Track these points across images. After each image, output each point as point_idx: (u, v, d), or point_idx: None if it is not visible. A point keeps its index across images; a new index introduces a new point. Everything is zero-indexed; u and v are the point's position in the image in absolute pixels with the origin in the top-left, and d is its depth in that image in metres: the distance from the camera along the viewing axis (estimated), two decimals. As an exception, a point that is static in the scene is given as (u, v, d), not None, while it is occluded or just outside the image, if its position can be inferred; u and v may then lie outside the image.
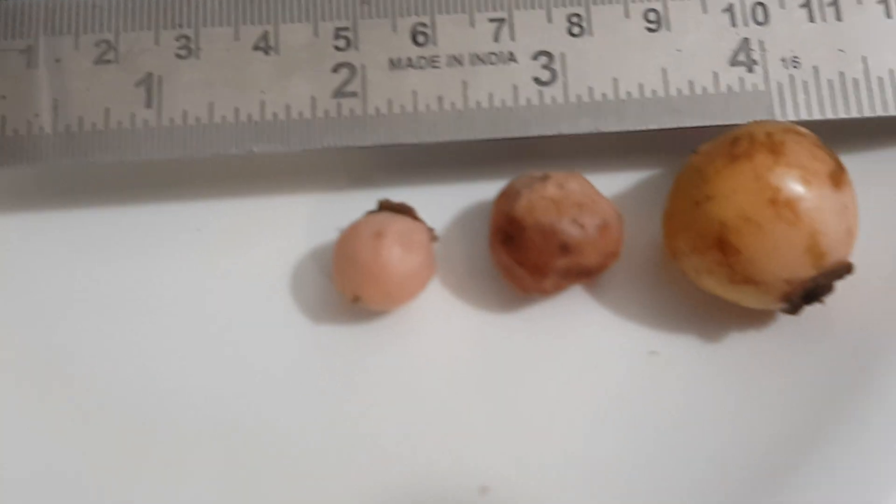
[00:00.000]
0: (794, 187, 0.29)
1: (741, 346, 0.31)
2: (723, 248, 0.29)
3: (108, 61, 0.31)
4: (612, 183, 0.32)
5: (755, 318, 0.31)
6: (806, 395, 0.30)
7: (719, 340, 0.31)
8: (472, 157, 0.33)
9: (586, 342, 0.31)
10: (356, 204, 0.32)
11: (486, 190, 0.32)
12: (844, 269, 0.30)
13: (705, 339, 0.31)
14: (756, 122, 0.30)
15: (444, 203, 0.33)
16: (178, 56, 0.32)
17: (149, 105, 0.31)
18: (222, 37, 0.32)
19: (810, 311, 0.30)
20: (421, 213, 0.31)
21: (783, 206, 0.28)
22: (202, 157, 0.31)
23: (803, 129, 0.30)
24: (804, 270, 0.29)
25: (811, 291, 0.29)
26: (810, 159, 0.29)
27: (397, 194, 0.32)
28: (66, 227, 0.33)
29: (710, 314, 0.31)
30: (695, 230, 0.29)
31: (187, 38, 0.32)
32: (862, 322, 0.31)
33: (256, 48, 0.32)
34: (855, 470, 0.29)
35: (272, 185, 0.33)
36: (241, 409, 0.31)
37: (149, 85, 0.31)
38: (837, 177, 0.29)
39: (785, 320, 0.31)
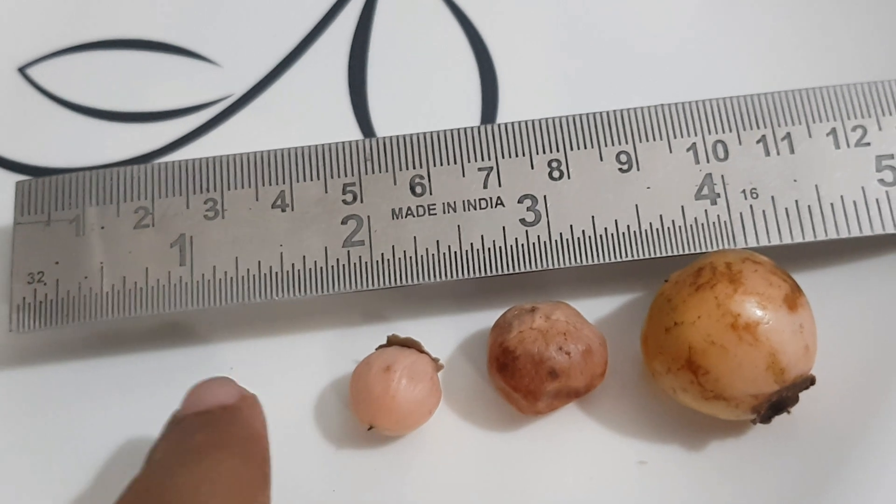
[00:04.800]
0: (752, 312, 0.32)
1: (721, 453, 0.34)
2: (693, 368, 0.32)
3: (146, 226, 0.36)
4: (596, 308, 0.36)
5: (732, 428, 0.34)
6: (780, 497, 0.33)
7: (701, 449, 0.34)
8: (471, 290, 0.37)
9: (581, 455, 0.35)
10: (369, 337, 0.36)
11: (484, 319, 0.36)
12: (807, 382, 0.33)
13: (689, 448, 0.34)
14: (718, 252, 0.34)
15: (448, 333, 0.36)
16: (207, 217, 0.36)
17: (182, 263, 0.35)
18: (244, 198, 0.36)
19: (781, 419, 0.33)
20: (426, 343, 0.35)
21: (743, 329, 0.32)
22: (231, 306, 0.35)
23: (760, 257, 0.33)
24: (767, 386, 0.32)
25: (777, 404, 0.33)
26: (766, 286, 0.32)
27: (405, 327, 0.36)
28: (116, 369, 0.37)
29: (692, 425, 0.34)
30: (668, 353, 0.33)
31: (214, 200, 0.36)
32: (828, 427, 0.34)
33: (274, 206, 0.36)
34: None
35: (294, 324, 0.37)
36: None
37: (182, 245, 0.35)
38: (792, 299, 0.32)
39: (759, 428, 0.34)
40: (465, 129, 0.36)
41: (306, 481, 0.35)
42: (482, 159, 0.36)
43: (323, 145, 0.36)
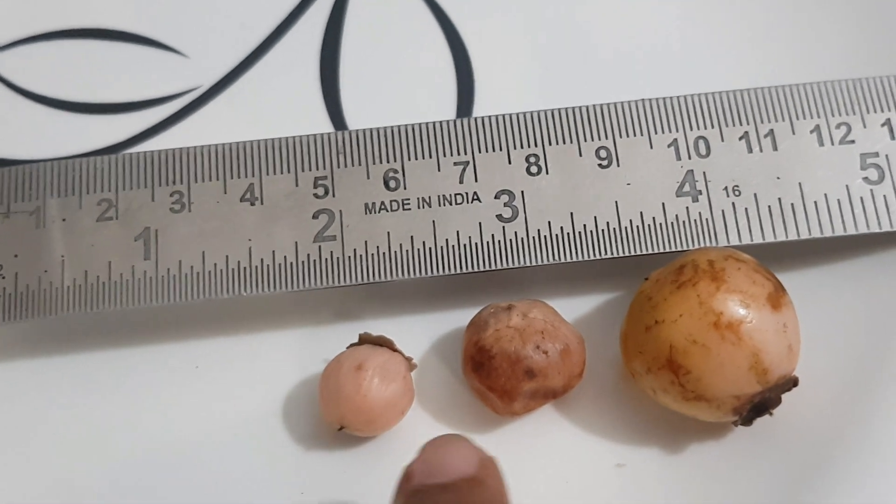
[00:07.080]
0: (735, 311, 0.31)
1: (701, 456, 0.33)
2: (673, 368, 0.31)
3: (109, 218, 0.34)
4: (574, 306, 0.35)
5: (712, 430, 0.33)
6: (761, 499, 0.32)
7: (680, 452, 0.33)
8: (445, 287, 0.36)
9: (558, 457, 0.34)
10: (340, 336, 0.35)
11: (459, 317, 0.35)
12: (790, 383, 0.32)
13: (668, 450, 0.33)
14: (700, 250, 0.33)
15: (421, 332, 0.35)
16: (173, 210, 0.35)
17: (147, 257, 0.34)
18: (212, 191, 0.35)
19: (763, 420, 0.32)
20: (399, 342, 0.34)
21: (725, 328, 0.31)
22: (197, 302, 0.34)
23: (743, 255, 0.33)
24: (750, 386, 0.31)
25: (759, 405, 0.32)
26: (749, 284, 0.31)
27: (378, 325, 0.35)
28: (76, 366, 0.35)
29: (671, 427, 0.34)
30: (648, 352, 0.32)
31: (180, 193, 0.35)
32: (810, 430, 0.33)
33: (243, 199, 0.35)
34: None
35: (262, 321, 0.36)
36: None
37: (146, 238, 0.34)
38: (776, 298, 0.32)
39: (740, 430, 0.33)
40: (441, 122, 0.35)
41: (274, 483, 0.33)
42: (458, 153, 0.35)
43: (294, 138, 0.35)
